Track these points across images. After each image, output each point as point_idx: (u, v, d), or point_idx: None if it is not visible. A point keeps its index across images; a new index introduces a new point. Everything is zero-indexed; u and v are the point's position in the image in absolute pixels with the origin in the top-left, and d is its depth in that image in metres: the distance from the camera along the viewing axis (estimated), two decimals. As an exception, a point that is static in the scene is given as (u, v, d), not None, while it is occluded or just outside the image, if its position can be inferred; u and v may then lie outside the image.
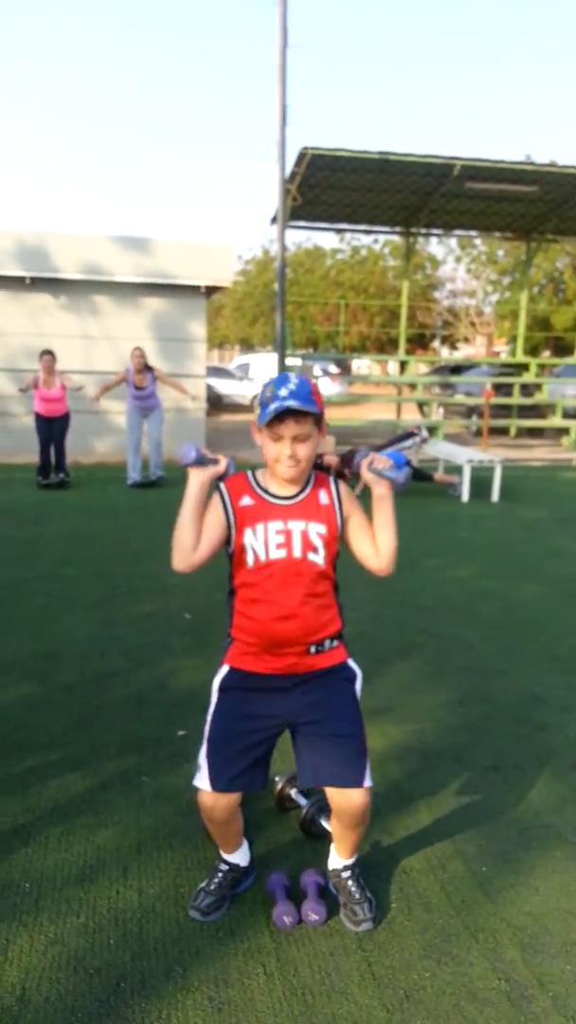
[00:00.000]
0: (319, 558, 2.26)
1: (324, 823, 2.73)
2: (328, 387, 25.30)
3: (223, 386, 26.67)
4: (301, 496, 2.28)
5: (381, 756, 3.42)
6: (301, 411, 2.13)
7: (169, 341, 13.77)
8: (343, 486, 2.35)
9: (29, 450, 11.02)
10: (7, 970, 2.22)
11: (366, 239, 39.39)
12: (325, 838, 2.66)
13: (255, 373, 27.80)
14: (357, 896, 2.44)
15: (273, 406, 2.12)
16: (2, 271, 12.87)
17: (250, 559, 2.26)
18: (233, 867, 2.52)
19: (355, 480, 2.48)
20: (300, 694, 2.33)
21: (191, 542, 2.28)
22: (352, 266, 40.37)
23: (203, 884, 2.51)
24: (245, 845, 2.57)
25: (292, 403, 2.11)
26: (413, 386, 19.03)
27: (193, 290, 13.75)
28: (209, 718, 2.39)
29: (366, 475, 2.29)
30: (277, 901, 2.45)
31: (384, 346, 39.85)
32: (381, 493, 2.30)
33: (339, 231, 25.61)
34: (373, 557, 2.33)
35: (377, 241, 39.50)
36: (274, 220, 14.62)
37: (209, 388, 19.34)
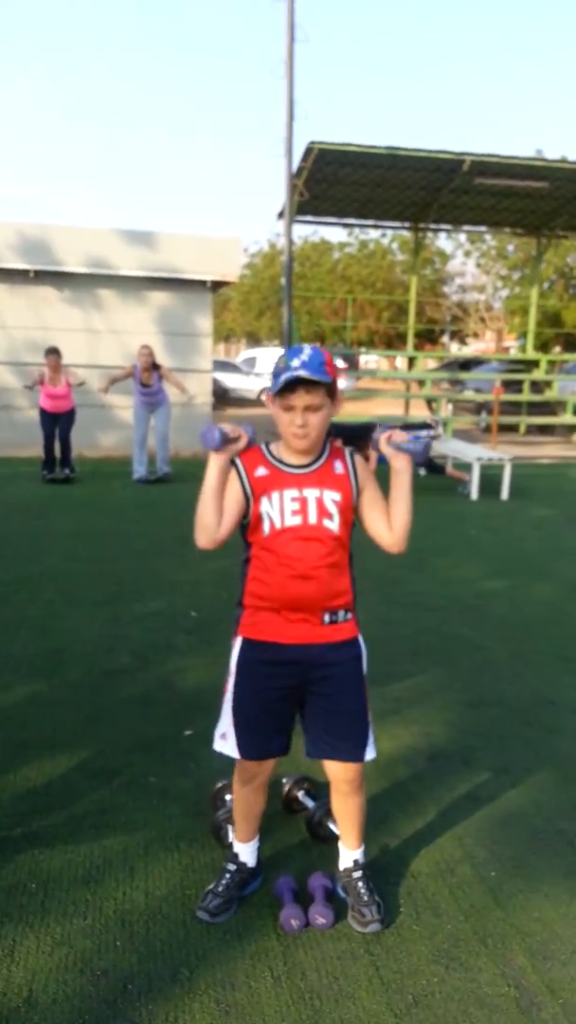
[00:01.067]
0: (334, 524, 2.28)
1: (332, 826, 2.71)
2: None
3: (229, 380, 26.63)
4: (316, 465, 2.31)
5: (390, 758, 3.40)
6: (312, 381, 2.15)
7: (175, 335, 13.72)
8: (359, 458, 2.37)
9: (33, 443, 11.00)
10: (14, 971, 2.20)
11: (374, 233, 39.24)
12: (333, 841, 2.64)
13: (261, 367, 27.72)
14: (366, 898, 2.44)
15: (284, 376, 2.15)
16: (5, 264, 12.83)
17: (266, 527, 2.29)
18: (241, 867, 2.52)
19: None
20: (314, 667, 2.35)
21: (214, 520, 2.29)
22: (360, 260, 40.22)
23: (211, 886, 2.50)
24: (256, 841, 2.57)
25: (302, 373, 2.13)
26: (421, 382, 18.96)
27: (199, 284, 13.70)
28: (230, 691, 2.43)
29: (385, 449, 2.32)
30: (284, 904, 2.44)
31: (392, 341, 39.72)
32: (400, 467, 2.33)
33: (347, 226, 25.49)
34: (385, 532, 2.35)
35: (385, 235, 39.34)
36: (281, 215, 14.57)
37: (215, 382, 19.30)
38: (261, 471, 2.30)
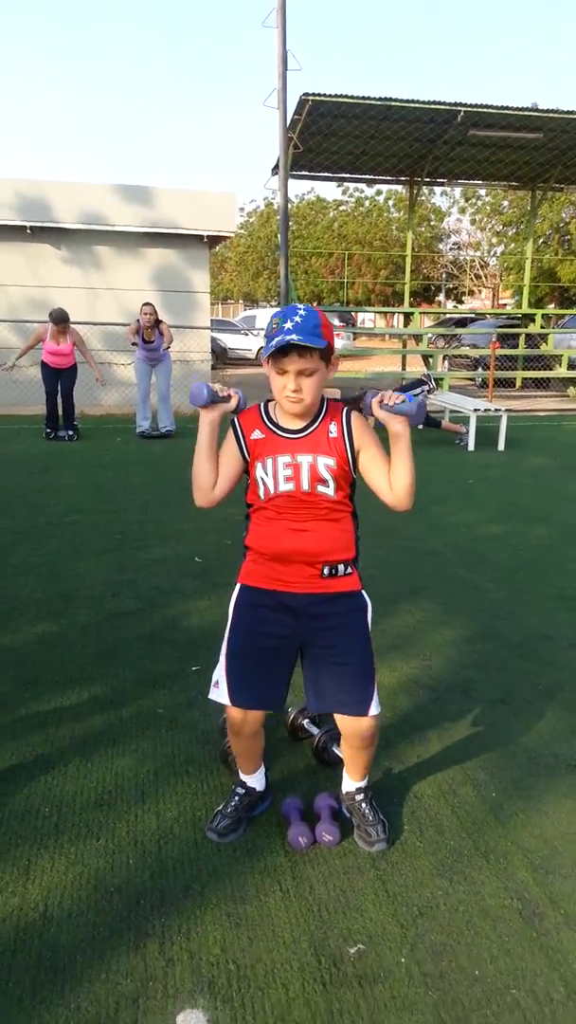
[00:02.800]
0: (329, 490, 2.26)
1: (336, 750, 2.78)
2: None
3: (229, 340, 26.55)
4: (310, 429, 2.27)
5: (391, 689, 3.47)
6: (305, 345, 2.09)
7: (173, 292, 13.64)
8: (356, 417, 2.31)
9: (36, 402, 10.98)
10: (30, 888, 2.27)
11: (369, 191, 38.79)
12: (337, 765, 2.71)
13: (260, 326, 27.57)
14: (371, 818, 2.50)
15: (276, 339, 2.10)
16: (2, 220, 12.70)
17: (261, 492, 2.29)
18: (249, 791, 2.58)
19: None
20: (313, 617, 2.35)
21: (209, 480, 2.31)
22: (355, 218, 39.81)
23: (220, 807, 2.56)
24: (262, 770, 2.63)
25: (294, 337, 2.07)
26: (418, 338, 18.87)
27: (196, 240, 13.60)
28: (226, 635, 2.43)
29: (379, 413, 2.25)
30: (292, 823, 2.51)
31: (389, 299, 39.46)
32: (397, 429, 2.24)
33: (342, 181, 25.15)
34: (387, 491, 2.31)
35: (381, 193, 38.91)
36: (275, 169, 14.37)
37: (214, 341, 19.20)
38: (257, 434, 2.28)
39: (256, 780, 2.61)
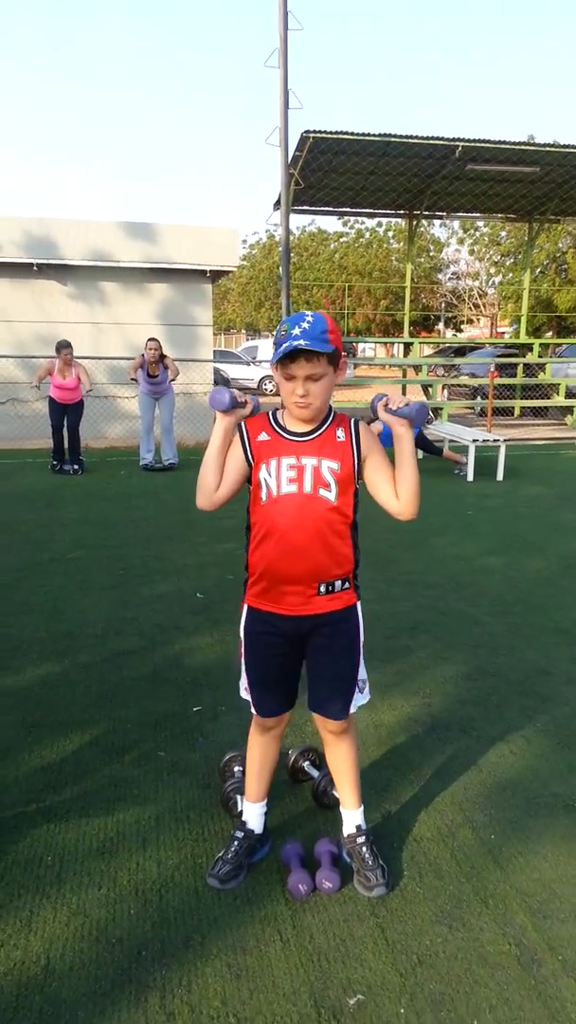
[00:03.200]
0: (331, 495, 2.28)
1: (335, 793, 2.79)
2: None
3: (231, 370, 26.78)
4: (317, 433, 2.30)
5: (391, 729, 3.49)
6: (311, 351, 2.14)
7: (176, 326, 13.79)
8: (363, 425, 2.36)
9: (41, 436, 11.10)
10: (32, 940, 2.28)
11: (370, 222, 39.21)
12: (337, 808, 2.72)
13: (262, 357, 27.79)
14: (370, 863, 2.51)
15: (284, 345, 2.14)
16: (8, 258, 12.89)
17: (263, 494, 2.31)
18: (248, 833, 2.60)
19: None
20: (309, 635, 2.43)
21: (214, 482, 2.36)
22: (356, 249, 40.21)
23: (220, 853, 2.57)
24: (263, 808, 2.65)
25: (302, 343, 2.12)
26: (418, 368, 19.00)
27: (199, 275, 13.76)
28: (243, 656, 2.52)
29: (383, 416, 2.31)
30: (292, 870, 2.52)
31: (389, 328, 39.73)
32: (400, 432, 2.31)
33: (342, 215, 25.43)
34: (392, 500, 2.35)
35: (381, 225, 39.31)
36: (278, 204, 14.56)
37: (217, 371, 19.35)
38: (263, 436, 2.32)
39: (255, 819, 2.63)
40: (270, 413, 2.38)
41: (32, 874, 2.56)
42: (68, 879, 2.54)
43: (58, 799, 2.96)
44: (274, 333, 2.28)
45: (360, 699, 2.54)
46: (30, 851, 2.67)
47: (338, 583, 2.38)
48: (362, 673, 2.54)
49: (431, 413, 11.05)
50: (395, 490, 2.34)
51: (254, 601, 2.45)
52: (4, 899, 2.45)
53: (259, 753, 2.61)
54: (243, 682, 2.56)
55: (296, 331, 2.14)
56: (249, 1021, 2.02)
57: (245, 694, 2.56)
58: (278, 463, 2.29)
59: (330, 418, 2.33)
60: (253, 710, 2.54)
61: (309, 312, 2.21)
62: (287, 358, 2.17)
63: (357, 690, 2.52)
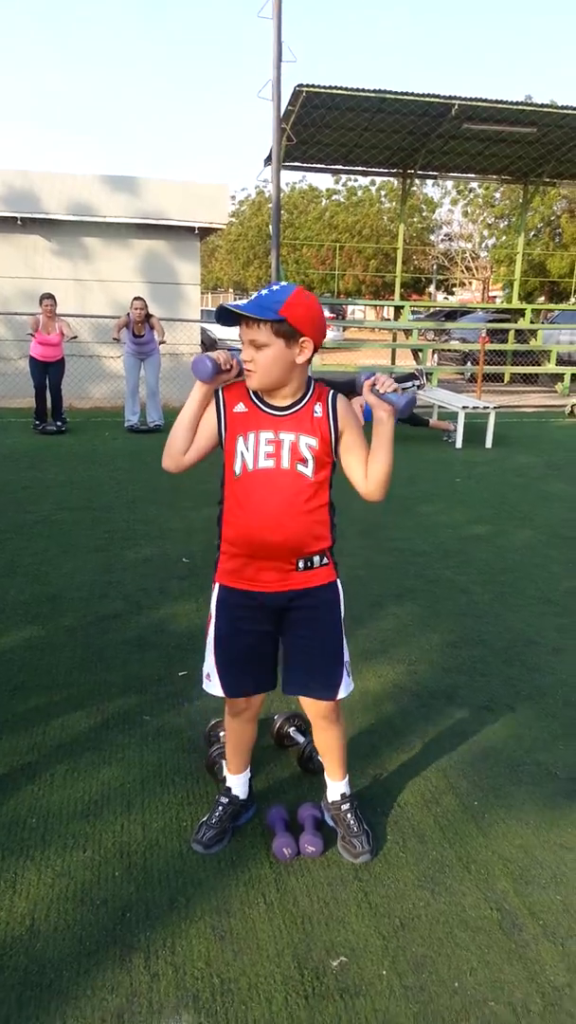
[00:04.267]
0: (307, 470, 2.24)
1: (320, 759, 2.80)
2: (322, 333, 24.99)
3: (218, 330, 26.43)
4: (296, 408, 2.25)
5: (376, 695, 3.50)
6: (248, 316, 2.10)
7: (162, 284, 13.59)
8: (342, 400, 2.29)
9: (23, 395, 10.98)
10: (16, 902, 2.29)
11: (362, 180, 38.72)
12: (322, 774, 2.73)
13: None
14: (355, 829, 2.52)
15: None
16: (-8, 212, 12.65)
17: (238, 467, 2.25)
18: (233, 799, 2.60)
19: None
20: (288, 611, 2.38)
21: (183, 445, 2.30)
22: (347, 208, 39.73)
23: (205, 818, 2.58)
24: (247, 775, 2.65)
25: (234, 303, 2.10)
26: (408, 332, 18.88)
27: (187, 231, 13.54)
28: (211, 633, 2.45)
29: (368, 397, 2.23)
30: (276, 833, 2.53)
31: (379, 291, 39.42)
32: (381, 416, 2.24)
33: (335, 172, 25.08)
34: (361, 479, 2.30)
35: (374, 183, 38.82)
36: (268, 160, 14.32)
37: (204, 332, 19.15)
38: (240, 407, 2.26)
39: (240, 787, 2.63)
40: None
41: (16, 836, 2.56)
42: (52, 841, 2.54)
43: (42, 761, 2.96)
44: None
45: (348, 684, 2.47)
46: (14, 813, 2.67)
47: (316, 558, 2.34)
48: (346, 655, 2.48)
49: (424, 378, 10.96)
50: (366, 470, 2.29)
51: (227, 579, 2.40)
52: (-12, 861, 2.45)
53: (235, 734, 2.58)
54: (204, 668, 2.49)
55: (253, 295, 2.12)
56: (233, 982, 2.04)
57: (207, 683, 2.49)
58: (256, 437, 2.23)
59: (310, 392, 2.28)
60: (220, 692, 2.45)
61: (284, 284, 2.16)
62: (226, 318, 2.15)
63: (346, 672, 2.46)
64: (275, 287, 2.14)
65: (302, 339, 2.16)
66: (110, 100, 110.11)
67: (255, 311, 2.09)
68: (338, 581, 2.44)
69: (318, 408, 2.26)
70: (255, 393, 2.27)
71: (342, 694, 2.45)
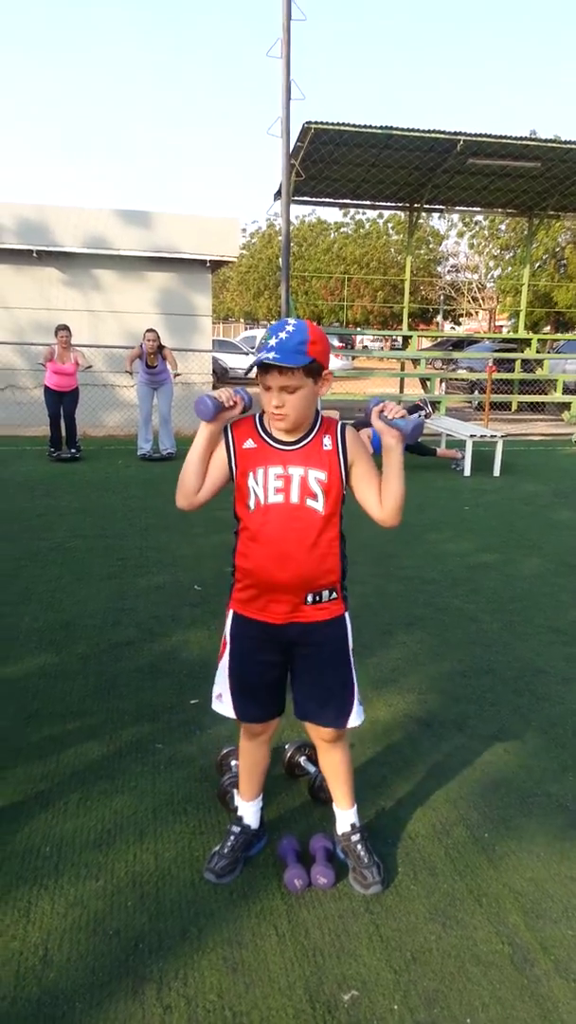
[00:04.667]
0: (318, 504, 2.27)
1: (328, 788, 2.80)
2: (332, 362, 25.18)
3: (229, 360, 26.65)
4: (304, 442, 2.27)
5: (385, 725, 3.51)
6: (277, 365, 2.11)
7: (175, 315, 13.75)
8: (350, 432, 2.32)
9: (38, 423, 11.11)
10: (30, 931, 2.30)
11: (370, 213, 39.13)
12: (332, 804, 2.74)
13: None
14: (366, 860, 2.53)
15: (258, 357, 2.12)
16: (8, 244, 12.84)
17: (251, 502, 2.29)
18: (244, 828, 2.61)
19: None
20: (297, 644, 2.42)
21: (195, 484, 2.33)
22: (355, 240, 40.11)
23: (217, 848, 2.59)
24: (260, 803, 2.67)
25: (270, 356, 2.09)
26: (416, 361, 18.99)
27: (198, 264, 13.71)
28: (226, 658, 2.50)
29: (376, 423, 2.26)
30: (288, 865, 2.53)
31: (388, 321, 39.68)
32: (389, 443, 2.26)
33: (343, 206, 25.35)
34: (376, 507, 2.32)
35: (381, 216, 39.23)
36: (278, 195, 14.52)
37: (215, 361, 19.31)
38: (249, 444, 2.29)
39: (252, 816, 2.64)
40: (256, 417, 2.35)
41: (30, 865, 2.57)
42: (66, 870, 2.55)
43: (56, 789, 2.97)
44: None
45: (359, 713, 2.49)
46: (28, 841, 2.68)
47: (325, 592, 2.37)
48: (355, 685, 2.49)
49: (429, 407, 11.01)
50: (379, 498, 2.32)
51: (240, 607, 2.45)
52: (2, 889, 2.46)
53: (249, 757, 2.60)
54: (216, 688, 2.52)
55: (272, 341, 2.12)
56: (245, 1015, 2.04)
57: (217, 703, 2.52)
58: (265, 472, 2.26)
59: (317, 425, 2.30)
60: (232, 714, 2.50)
61: (292, 321, 2.18)
62: (262, 368, 2.15)
63: (356, 702, 2.49)
64: (289, 327, 2.16)
65: (325, 373, 2.23)
66: (122, 133, 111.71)
67: (290, 359, 2.11)
68: (346, 615, 2.47)
69: (327, 441, 2.28)
70: (263, 428, 2.30)
71: (353, 723, 2.48)
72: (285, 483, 2.25)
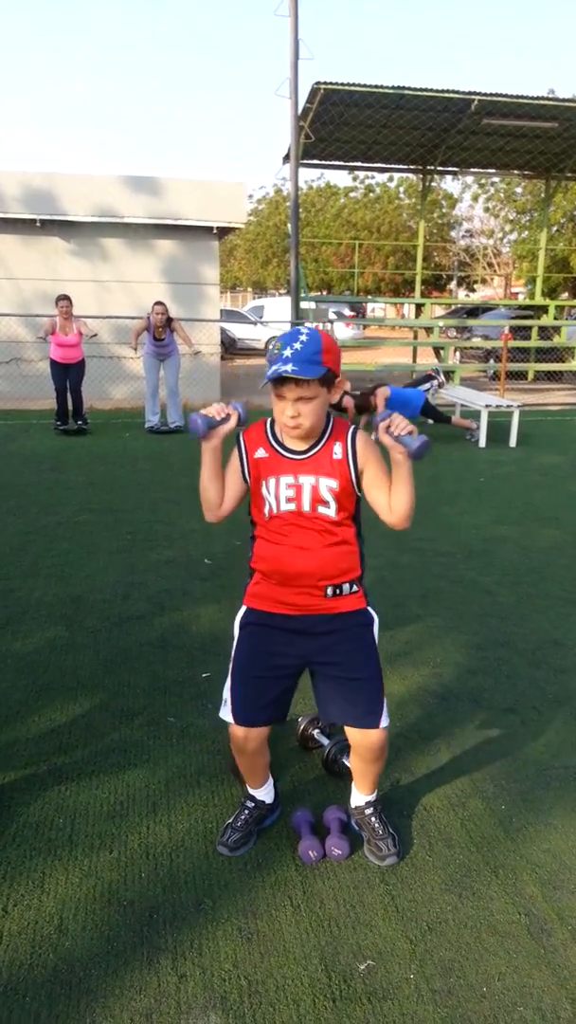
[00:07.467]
0: (330, 511, 2.27)
1: (346, 761, 2.79)
2: (342, 331, 25.01)
3: (237, 330, 26.44)
4: (314, 450, 2.27)
5: (401, 698, 3.49)
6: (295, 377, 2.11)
7: (182, 285, 13.65)
8: (361, 436, 2.30)
9: (45, 396, 11.07)
10: (45, 901, 2.31)
11: (380, 177, 38.54)
12: (347, 776, 2.73)
13: (269, 316, 27.47)
14: (381, 832, 2.52)
15: (273, 368, 2.10)
16: (11, 214, 12.72)
17: (266, 510, 2.31)
18: (259, 804, 2.60)
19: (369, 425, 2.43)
20: (318, 637, 2.37)
21: (216, 499, 2.35)
22: (365, 205, 39.57)
23: (230, 820, 2.59)
24: (270, 782, 2.65)
25: (288, 369, 2.07)
26: (429, 330, 18.80)
27: (205, 231, 13.57)
28: (232, 654, 2.45)
29: (383, 438, 2.21)
30: (302, 836, 2.53)
31: (399, 288, 39.28)
32: (398, 459, 2.21)
33: (353, 169, 25.01)
34: (386, 511, 2.30)
35: (392, 180, 38.64)
36: (286, 158, 14.31)
37: (223, 332, 19.18)
38: (261, 453, 2.30)
39: (265, 793, 2.63)
40: (268, 423, 2.33)
41: (43, 836, 2.58)
42: (79, 841, 2.56)
43: (68, 762, 2.98)
44: (269, 346, 2.22)
45: (384, 719, 2.41)
46: (41, 813, 2.69)
47: (345, 586, 2.35)
48: (381, 681, 2.43)
49: (442, 376, 10.90)
50: (390, 503, 2.29)
51: (256, 603, 2.42)
52: (17, 860, 2.47)
53: (246, 765, 2.55)
54: (225, 691, 2.48)
55: (287, 352, 2.10)
56: (260, 984, 2.05)
57: (224, 709, 2.47)
58: (276, 482, 2.27)
59: (328, 432, 2.28)
60: (230, 719, 2.42)
61: (305, 330, 2.16)
62: (276, 381, 2.13)
63: (384, 699, 2.42)
64: (303, 336, 2.14)
65: (337, 380, 2.23)
66: (126, 98, 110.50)
67: (308, 371, 2.10)
68: (370, 608, 2.44)
69: (337, 449, 2.27)
70: (274, 437, 2.30)
71: (384, 722, 2.40)
72: (296, 492, 2.26)
